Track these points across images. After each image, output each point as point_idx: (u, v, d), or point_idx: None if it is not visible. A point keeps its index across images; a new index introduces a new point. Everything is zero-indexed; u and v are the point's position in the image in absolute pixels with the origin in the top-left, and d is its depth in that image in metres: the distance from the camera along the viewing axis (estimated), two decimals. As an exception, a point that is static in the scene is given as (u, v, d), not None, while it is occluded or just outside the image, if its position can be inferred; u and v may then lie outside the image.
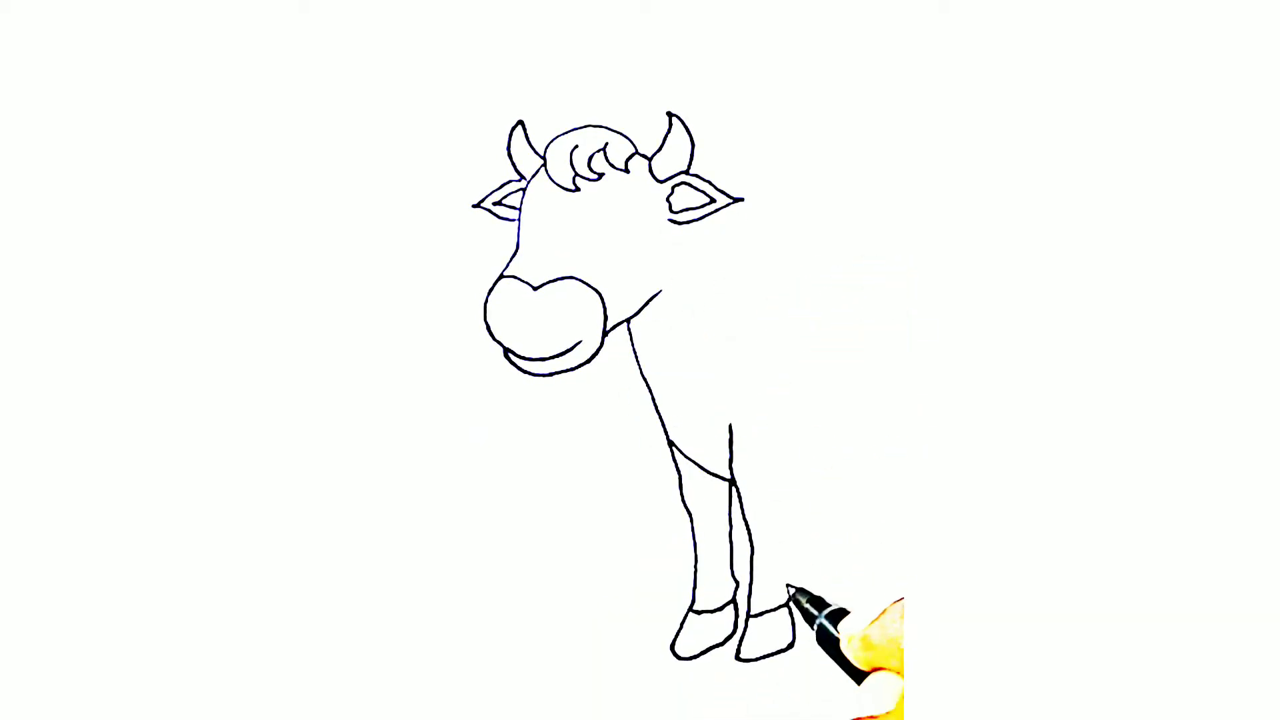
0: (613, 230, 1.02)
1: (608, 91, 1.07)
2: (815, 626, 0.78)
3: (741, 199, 1.03)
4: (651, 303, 1.04)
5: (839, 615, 0.77)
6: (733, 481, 1.07)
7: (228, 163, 1.09)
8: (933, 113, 1.08)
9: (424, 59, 1.08)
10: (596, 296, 1.00)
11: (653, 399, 1.07)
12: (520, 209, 1.04)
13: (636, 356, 1.07)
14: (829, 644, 0.77)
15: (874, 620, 0.74)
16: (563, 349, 1.00)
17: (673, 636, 1.10)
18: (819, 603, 0.79)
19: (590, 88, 1.07)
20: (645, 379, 1.07)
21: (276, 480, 1.09)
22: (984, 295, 1.06)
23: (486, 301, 1.01)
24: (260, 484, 1.09)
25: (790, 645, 1.09)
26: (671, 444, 1.09)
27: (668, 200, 1.03)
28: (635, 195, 1.03)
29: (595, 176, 1.02)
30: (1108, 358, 0.92)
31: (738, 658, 1.09)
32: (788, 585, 1.07)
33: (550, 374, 1.01)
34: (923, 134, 1.08)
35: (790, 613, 1.09)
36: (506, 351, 1.01)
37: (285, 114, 1.09)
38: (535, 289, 0.99)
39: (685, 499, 1.10)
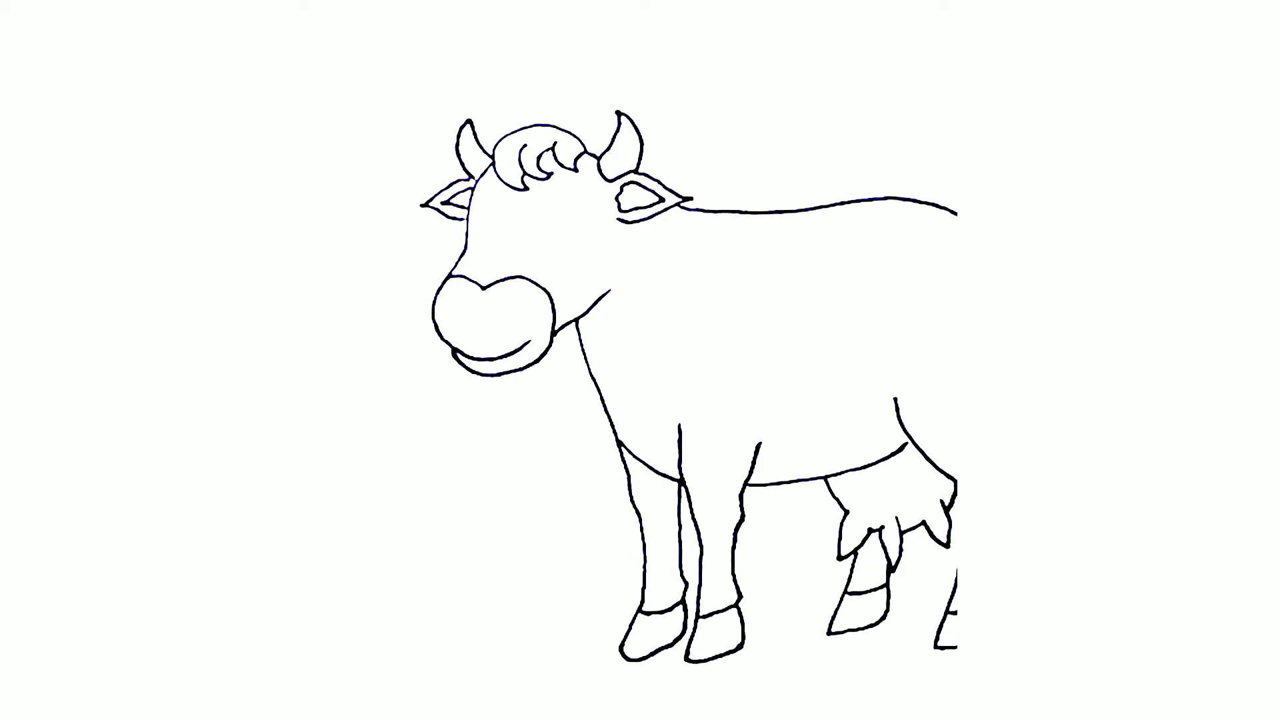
0: (561, 229, 1.02)
1: (556, 90, 1.07)
2: None
3: (690, 198, 1.03)
4: (600, 302, 1.04)
5: None
6: (682, 481, 1.07)
7: (175, 163, 1.08)
8: (880, 111, 1.09)
9: (371, 57, 1.08)
10: (545, 296, 0.99)
11: (602, 399, 1.07)
12: (469, 208, 1.03)
13: (585, 356, 1.06)
14: None
15: None
16: (511, 349, 0.99)
17: (621, 637, 1.10)
18: None
19: (539, 87, 1.07)
20: (594, 378, 1.07)
21: (224, 474, 1.09)
22: (947, 291, 1.07)
23: (435, 301, 1.00)
24: (206, 478, 1.09)
25: (740, 646, 1.09)
26: (620, 443, 1.09)
27: (617, 199, 1.03)
28: (584, 194, 1.02)
29: (544, 176, 1.02)
30: (1089, 362, 0.93)
31: (687, 659, 1.09)
32: None
33: (499, 374, 1.01)
34: (875, 132, 1.09)
35: (739, 613, 1.09)
36: (455, 351, 1.01)
37: (232, 114, 1.08)
38: (484, 288, 0.98)
39: (634, 499, 1.09)
